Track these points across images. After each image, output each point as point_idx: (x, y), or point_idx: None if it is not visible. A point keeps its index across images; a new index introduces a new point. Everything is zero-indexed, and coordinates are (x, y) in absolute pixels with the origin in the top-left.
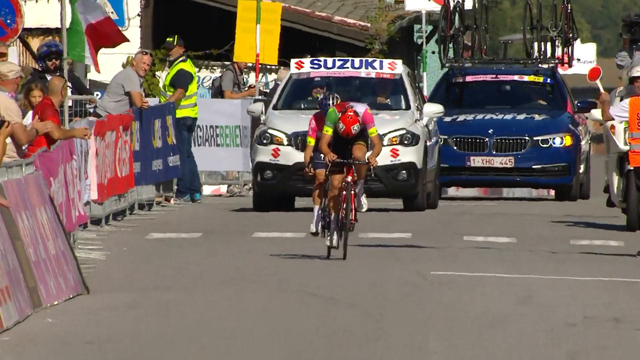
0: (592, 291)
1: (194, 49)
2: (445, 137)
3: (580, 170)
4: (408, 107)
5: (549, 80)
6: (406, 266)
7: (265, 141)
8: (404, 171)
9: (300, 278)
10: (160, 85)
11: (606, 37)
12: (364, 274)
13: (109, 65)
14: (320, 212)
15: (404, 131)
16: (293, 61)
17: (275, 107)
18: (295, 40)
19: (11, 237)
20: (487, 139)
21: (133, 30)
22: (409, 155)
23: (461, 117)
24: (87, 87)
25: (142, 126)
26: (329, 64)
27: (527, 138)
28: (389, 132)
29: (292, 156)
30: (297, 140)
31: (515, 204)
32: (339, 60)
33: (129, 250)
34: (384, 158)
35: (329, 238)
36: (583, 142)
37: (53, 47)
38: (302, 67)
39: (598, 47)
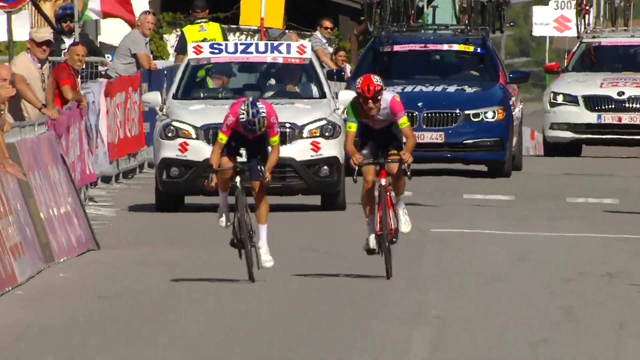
0: (587, 248)
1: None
2: None
3: (513, 144)
4: (323, 95)
5: (479, 49)
6: None
7: (170, 135)
8: (326, 167)
9: (303, 236)
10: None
11: None
12: (366, 231)
13: (118, 27)
14: (226, 199)
15: (324, 122)
16: (190, 45)
17: (175, 97)
18: (299, 4)
19: (24, 194)
20: (416, 113)
21: None
22: (331, 149)
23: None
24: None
25: (150, 87)
26: (231, 49)
27: (458, 112)
28: (309, 124)
29: (202, 151)
30: (209, 134)
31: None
32: (241, 44)
33: (139, 207)
34: (304, 153)
35: (366, 241)
36: (516, 111)
37: (68, 10)
38: (200, 52)
39: None
